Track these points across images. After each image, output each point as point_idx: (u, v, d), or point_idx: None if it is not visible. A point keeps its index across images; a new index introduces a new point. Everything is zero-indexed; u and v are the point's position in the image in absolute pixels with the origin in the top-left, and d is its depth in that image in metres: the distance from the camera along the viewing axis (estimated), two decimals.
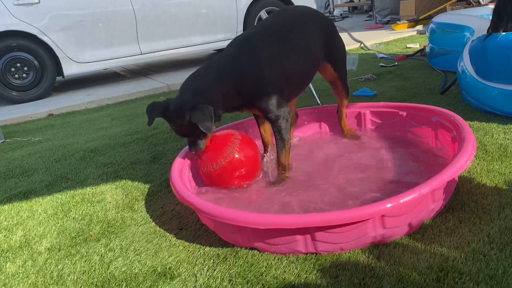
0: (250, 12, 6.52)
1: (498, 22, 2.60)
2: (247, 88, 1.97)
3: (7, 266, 1.75)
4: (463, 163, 1.60)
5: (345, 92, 2.48)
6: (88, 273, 1.61)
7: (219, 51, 7.58)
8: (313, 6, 7.00)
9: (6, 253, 1.86)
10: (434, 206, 1.59)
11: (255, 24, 6.57)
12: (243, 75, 1.96)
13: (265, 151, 2.27)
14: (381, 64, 4.64)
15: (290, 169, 2.14)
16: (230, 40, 2.14)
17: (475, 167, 1.94)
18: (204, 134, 1.97)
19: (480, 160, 2.01)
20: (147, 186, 2.33)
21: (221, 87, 1.95)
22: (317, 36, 2.23)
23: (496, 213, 1.58)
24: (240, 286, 1.41)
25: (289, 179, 2.09)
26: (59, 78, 6.05)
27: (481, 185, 1.78)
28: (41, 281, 1.61)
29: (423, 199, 1.51)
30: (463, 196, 1.73)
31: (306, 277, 1.40)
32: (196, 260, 1.59)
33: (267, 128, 2.26)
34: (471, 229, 1.51)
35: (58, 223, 2.06)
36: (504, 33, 2.55)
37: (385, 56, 5.09)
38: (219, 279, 1.46)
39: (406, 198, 1.44)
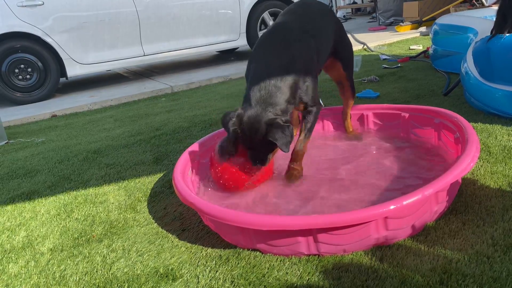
0: (253, 14, 6.53)
1: (502, 23, 2.59)
2: (303, 87, 1.94)
3: (9, 267, 1.76)
4: (466, 165, 1.59)
5: (351, 93, 2.49)
6: (90, 274, 1.61)
7: (222, 52, 7.63)
8: None
9: (8, 253, 1.87)
10: (437, 208, 1.58)
11: (257, 26, 6.58)
12: (302, 77, 1.92)
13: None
14: (384, 65, 4.63)
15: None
16: (262, 37, 2.05)
17: (479, 169, 1.93)
18: (274, 150, 1.90)
19: (483, 162, 2.00)
20: (150, 187, 2.33)
21: (289, 95, 1.88)
22: (331, 30, 2.28)
23: (500, 215, 1.57)
24: (242, 287, 1.41)
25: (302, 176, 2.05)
26: (62, 80, 6.07)
27: (484, 187, 1.78)
28: (44, 281, 1.61)
29: (426, 201, 1.50)
30: (467, 198, 1.72)
31: (309, 279, 1.40)
32: (198, 261, 1.58)
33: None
34: (475, 231, 1.50)
35: (60, 223, 2.07)
36: (508, 34, 2.55)
37: (388, 57, 5.08)
38: (221, 281, 1.46)
39: (409, 200, 1.43)
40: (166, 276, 1.52)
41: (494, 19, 2.69)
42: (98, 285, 1.54)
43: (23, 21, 5.30)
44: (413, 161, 2.10)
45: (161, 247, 1.72)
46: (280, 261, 1.51)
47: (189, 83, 5.49)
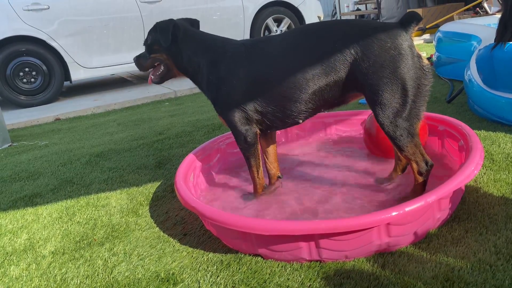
0: (257, 20, 6.56)
1: (504, 32, 2.59)
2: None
3: (11, 269, 1.76)
4: (470, 172, 1.59)
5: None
6: (92, 278, 1.61)
7: None
8: (320, 14, 7.03)
9: (10, 256, 1.87)
10: (440, 215, 1.57)
11: (261, 32, 6.61)
12: None
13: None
14: None
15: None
16: None
17: (482, 177, 1.92)
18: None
19: (487, 169, 1.99)
20: (152, 191, 2.33)
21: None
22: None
23: (503, 223, 1.56)
24: None
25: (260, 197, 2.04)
26: (66, 83, 6.10)
27: (487, 195, 1.77)
28: (45, 284, 1.61)
29: (429, 208, 1.50)
30: (470, 206, 1.71)
31: (310, 285, 1.39)
32: (200, 266, 1.58)
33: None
34: (478, 239, 1.49)
35: (62, 227, 2.07)
36: (510, 43, 2.55)
37: None
38: (222, 286, 1.45)
39: (412, 206, 1.43)
40: (167, 281, 1.52)
41: (496, 28, 2.70)
42: None
43: (29, 25, 5.34)
44: None
45: (163, 251, 1.72)
46: (282, 267, 1.50)
47: (192, 88, 5.51)
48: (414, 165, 1.72)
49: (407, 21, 1.67)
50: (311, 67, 1.74)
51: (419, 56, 1.68)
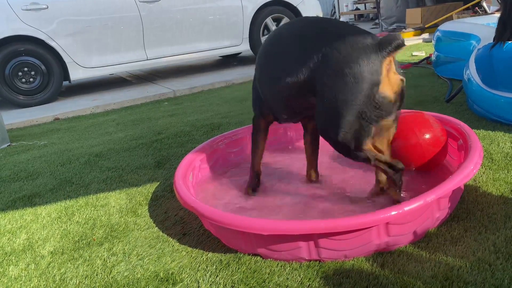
0: (256, 19, 6.55)
1: (503, 31, 2.59)
2: None
3: (10, 269, 1.75)
4: (469, 172, 1.59)
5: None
6: (91, 277, 1.61)
7: (225, 57, 7.65)
8: (319, 14, 7.03)
9: (9, 256, 1.86)
10: (439, 214, 1.57)
11: (260, 31, 6.61)
12: None
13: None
14: None
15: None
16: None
17: (481, 176, 1.93)
18: None
19: (486, 169, 1.99)
20: (151, 191, 2.33)
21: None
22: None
23: (502, 222, 1.56)
24: None
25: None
26: (65, 83, 6.10)
27: (487, 194, 1.77)
28: (44, 284, 1.61)
29: (428, 207, 1.50)
30: (469, 205, 1.71)
31: (309, 284, 1.39)
32: (199, 266, 1.58)
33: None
34: (477, 238, 1.49)
35: (61, 226, 2.07)
36: (509, 42, 2.55)
37: None
38: (221, 285, 1.45)
39: (411, 206, 1.43)
40: (167, 280, 1.52)
41: (495, 27, 2.70)
42: None
43: (28, 25, 5.33)
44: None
45: (162, 251, 1.72)
46: (281, 266, 1.50)
47: (191, 88, 5.51)
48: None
49: (385, 43, 1.54)
50: (278, 68, 1.78)
51: (378, 84, 1.54)
